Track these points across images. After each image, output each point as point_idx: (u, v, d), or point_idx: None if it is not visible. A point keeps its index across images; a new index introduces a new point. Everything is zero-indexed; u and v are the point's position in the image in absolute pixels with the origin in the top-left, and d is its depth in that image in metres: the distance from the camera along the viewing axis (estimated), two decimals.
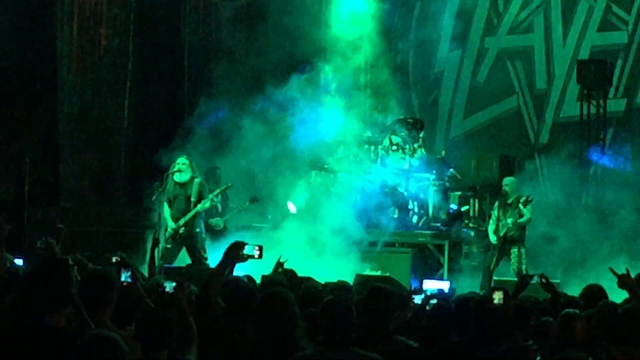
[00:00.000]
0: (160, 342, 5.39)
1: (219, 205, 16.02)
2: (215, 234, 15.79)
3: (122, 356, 4.42)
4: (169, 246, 14.86)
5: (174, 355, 5.46)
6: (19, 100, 17.63)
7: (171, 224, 14.88)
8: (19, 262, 9.15)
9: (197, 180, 15.04)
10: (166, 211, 14.99)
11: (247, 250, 6.75)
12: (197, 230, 14.98)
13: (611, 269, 7.93)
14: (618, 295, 8.26)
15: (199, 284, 7.08)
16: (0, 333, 5.22)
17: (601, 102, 18.24)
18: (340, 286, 8.73)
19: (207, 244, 15.09)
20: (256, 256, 6.90)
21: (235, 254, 6.80)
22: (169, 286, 6.52)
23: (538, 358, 6.80)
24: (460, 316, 6.85)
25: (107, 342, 4.43)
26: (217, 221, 15.95)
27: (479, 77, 19.53)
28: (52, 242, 7.66)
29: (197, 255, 14.81)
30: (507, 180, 15.83)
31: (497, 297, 6.97)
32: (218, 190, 15.59)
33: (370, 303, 6.64)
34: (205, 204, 14.94)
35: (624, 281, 7.70)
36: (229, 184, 15.86)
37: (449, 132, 19.66)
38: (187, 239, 14.92)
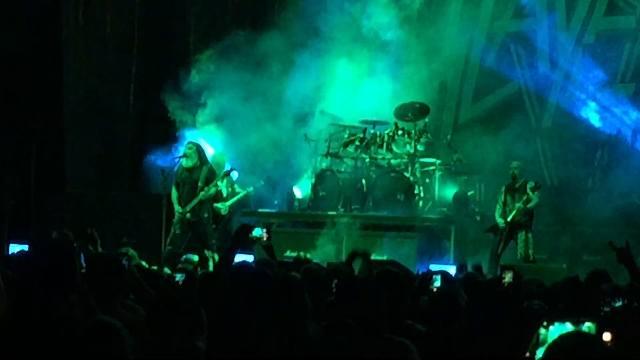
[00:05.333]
0: (171, 327, 5.37)
1: (224, 190, 16.00)
2: (220, 218, 15.80)
3: (123, 343, 4.33)
4: (177, 232, 14.85)
5: (185, 341, 5.44)
6: (25, 87, 17.60)
7: (178, 209, 14.86)
8: (24, 247, 9.17)
9: (205, 167, 15.01)
10: (174, 196, 14.97)
11: (255, 233, 6.67)
12: (205, 215, 14.95)
13: (610, 243, 7.91)
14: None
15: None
16: (2, 319, 5.20)
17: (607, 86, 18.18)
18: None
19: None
20: (264, 238, 6.86)
21: (243, 237, 6.70)
22: (179, 276, 6.52)
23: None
24: (470, 299, 6.82)
25: (108, 329, 4.34)
26: (221, 206, 15.93)
27: (487, 62, 19.44)
28: (69, 234, 7.67)
29: (205, 240, 14.79)
30: (515, 164, 15.82)
31: (508, 277, 6.94)
32: (221, 175, 15.56)
33: (380, 287, 6.59)
34: (209, 190, 14.93)
35: (623, 254, 7.68)
36: (233, 169, 15.84)
37: (458, 117, 19.57)
38: (196, 225, 14.90)
